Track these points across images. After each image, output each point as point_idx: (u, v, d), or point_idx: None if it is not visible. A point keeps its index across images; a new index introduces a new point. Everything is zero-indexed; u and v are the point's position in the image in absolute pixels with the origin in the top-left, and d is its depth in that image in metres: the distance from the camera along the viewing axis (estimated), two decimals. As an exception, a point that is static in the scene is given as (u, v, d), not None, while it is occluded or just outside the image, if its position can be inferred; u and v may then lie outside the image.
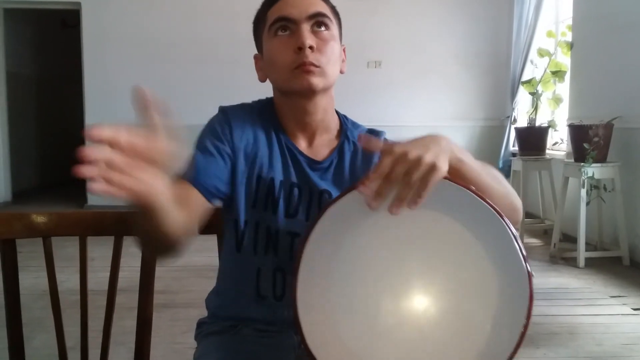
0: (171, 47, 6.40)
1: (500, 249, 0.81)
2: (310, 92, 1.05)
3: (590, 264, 4.08)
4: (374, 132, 1.18)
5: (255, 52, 1.16)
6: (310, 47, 1.03)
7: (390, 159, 0.79)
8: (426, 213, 0.82)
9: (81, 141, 0.62)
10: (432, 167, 0.79)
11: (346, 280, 0.84)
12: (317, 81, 1.03)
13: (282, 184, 1.09)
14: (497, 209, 0.81)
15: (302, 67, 1.02)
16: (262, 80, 1.13)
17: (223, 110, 1.11)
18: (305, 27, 1.04)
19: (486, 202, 0.81)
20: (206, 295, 1.21)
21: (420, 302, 0.84)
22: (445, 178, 0.82)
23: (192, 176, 1.01)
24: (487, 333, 0.81)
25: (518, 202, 1.00)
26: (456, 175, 0.86)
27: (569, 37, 5.16)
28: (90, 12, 6.40)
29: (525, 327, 0.79)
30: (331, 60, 1.06)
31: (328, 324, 0.83)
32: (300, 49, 1.03)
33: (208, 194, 1.03)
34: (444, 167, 0.80)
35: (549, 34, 5.52)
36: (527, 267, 0.80)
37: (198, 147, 1.06)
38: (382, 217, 0.83)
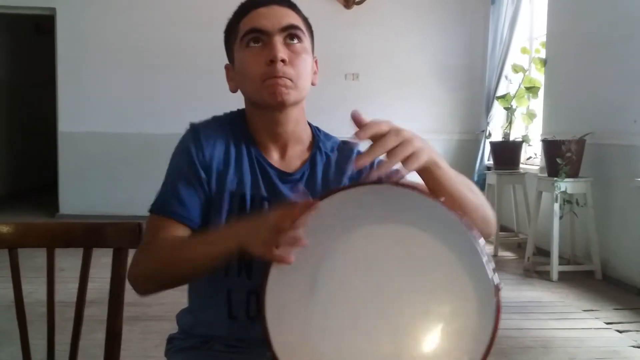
0: (147, 55, 6.32)
1: (471, 262, 0.80)
2: (281, 105, 1.04)
3: (564, 277, 4.12)
4: (347, 144, 1.17)
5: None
6: (283, 60, 1.01)
7: (387, 126, 0.82)
8: (399, 227, 0.82)
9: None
10: (419, 151, 0.82)
11: (320, 299, 0.83)
12: (288, 94, 1.02)
13: (252, 199, 1.06)
14: (466, 221, 0.80)
15: (274, 80, 1.01)
16: (233, 90, 1.12)
17: (194, 128, 1.09)
18: (278, 40, 1.03)
19: (455, 215, 0.80)
20: (179, 307, 1.19)
21: (399, 320, 0.82)
22: (416, 189, 0.81)
23: (179, 212, 1.02)
24: (464, 348, 0.80)
25: (492, 214, 0.99)
26: (431, 179, 0.87)
27: (542, 54, 5.25)
28: (65, 18, 6.30)
29: (492, 339, 0.78)
30: (303, 73, 1.05)
31: (303, 344, 0.82)
32: (272, 61, 1.01)
33: (194, 225, 1.04)
34: (425, 157, 0.83)
35: (523, 50, 5.61)
36: (494, 280, 0.79)
37: (177, 175, 1.05)
38: (355, 233, 0.82)
